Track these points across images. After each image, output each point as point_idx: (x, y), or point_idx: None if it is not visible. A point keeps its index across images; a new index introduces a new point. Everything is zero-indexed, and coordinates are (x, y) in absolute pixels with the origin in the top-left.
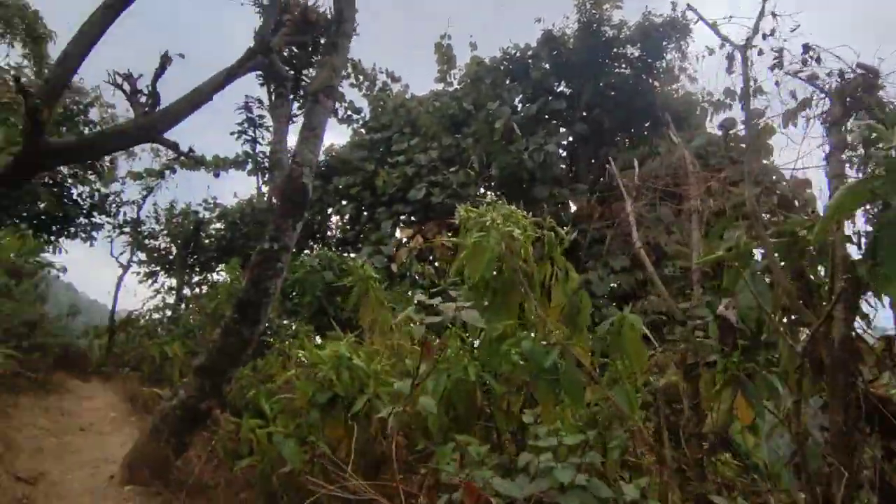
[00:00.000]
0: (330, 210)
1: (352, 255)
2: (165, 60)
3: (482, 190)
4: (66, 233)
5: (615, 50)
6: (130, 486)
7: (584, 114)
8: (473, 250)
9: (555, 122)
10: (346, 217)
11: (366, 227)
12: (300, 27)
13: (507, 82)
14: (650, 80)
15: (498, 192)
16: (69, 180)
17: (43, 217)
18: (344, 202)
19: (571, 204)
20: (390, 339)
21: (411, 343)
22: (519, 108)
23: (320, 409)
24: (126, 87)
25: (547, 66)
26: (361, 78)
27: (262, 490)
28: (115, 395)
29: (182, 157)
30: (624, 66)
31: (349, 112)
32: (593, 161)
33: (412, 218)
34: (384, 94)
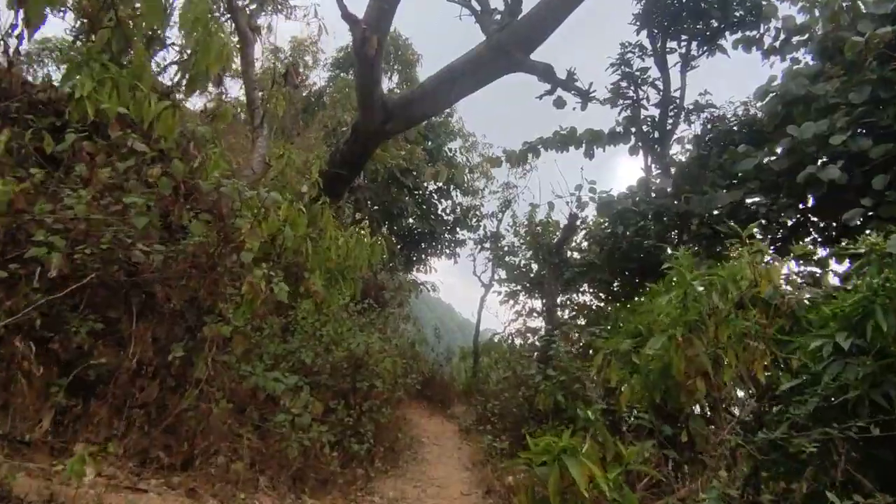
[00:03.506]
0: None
1: None
2: None
3: None
4: (432, 249)
5: None
6: None
7: None
8: None
9: None
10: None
11: None
12: None
13: None
14: None
15: None
16: (434, 196)
17: (413, 233)
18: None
19: None
20: None
21: None
22: None
23: None
24: (474, 3)
25: None
26: None
27: None
28: (467, 472)
29: (558, 90)
30: None
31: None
32: None
33: None
34: None
